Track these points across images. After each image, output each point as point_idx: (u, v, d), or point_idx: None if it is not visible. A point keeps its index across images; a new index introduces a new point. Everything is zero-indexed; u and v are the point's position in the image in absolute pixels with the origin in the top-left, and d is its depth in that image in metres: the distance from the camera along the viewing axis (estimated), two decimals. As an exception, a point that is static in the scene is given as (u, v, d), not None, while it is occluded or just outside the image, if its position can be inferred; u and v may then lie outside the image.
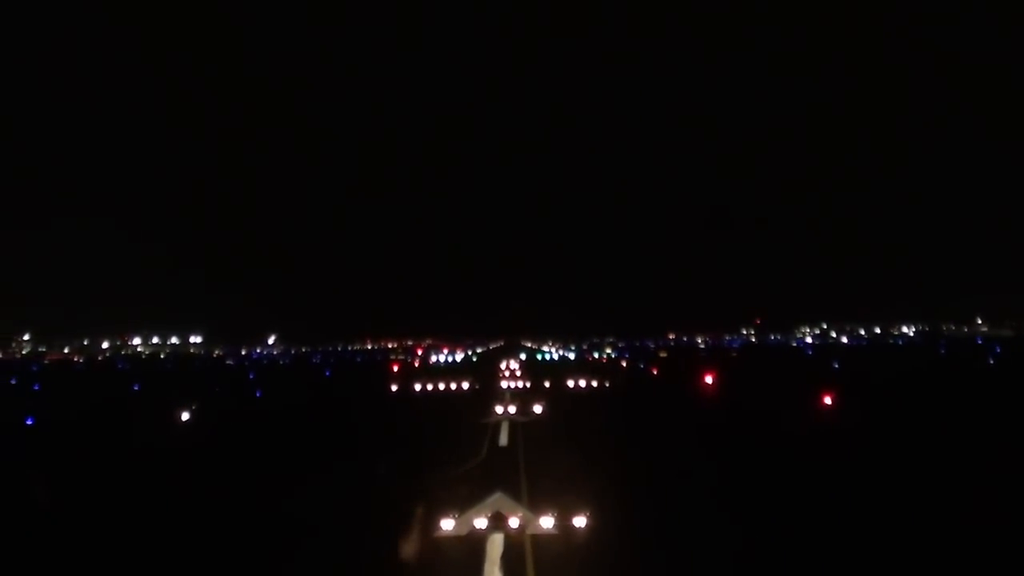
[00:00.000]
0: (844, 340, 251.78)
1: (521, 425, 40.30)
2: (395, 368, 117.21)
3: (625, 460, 29.14)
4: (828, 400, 48.02)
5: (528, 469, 27.23)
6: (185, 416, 48.46)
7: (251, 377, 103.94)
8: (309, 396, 67.34)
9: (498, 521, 19.01)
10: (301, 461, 30.71)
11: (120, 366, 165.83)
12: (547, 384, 67.28)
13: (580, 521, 18.70)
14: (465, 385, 68.07)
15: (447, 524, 18.84)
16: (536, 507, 19.89)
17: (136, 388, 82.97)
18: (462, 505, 19.90)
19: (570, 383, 67.17)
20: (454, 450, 31.52)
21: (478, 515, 19.13)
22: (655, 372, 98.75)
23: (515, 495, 21.29)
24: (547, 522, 18.74)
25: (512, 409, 44.93)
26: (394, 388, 70.58)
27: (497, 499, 20.17)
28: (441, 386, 68.35)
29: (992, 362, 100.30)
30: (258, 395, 69.55)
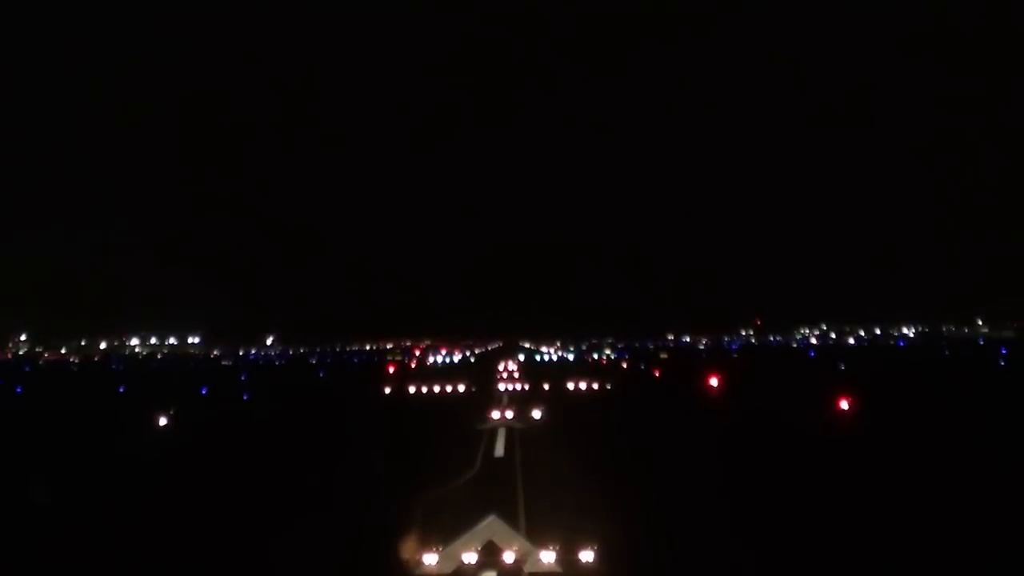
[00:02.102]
0: (851, 341, 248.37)
1: (519, 432, 37.44)
2: (391, 370, 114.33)
3: (636, 478, 26.02)
4: (845, 405, 45.19)
5: (526, 486, 24.24)
6: (163, 421, 45.73)
7: (242, 379, 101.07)
8: (296, 401, 64.26)
9: (491, 555, 16.13)
10: (269, 477, 27.62)
11: (114, 367, 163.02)
12: (546, 387, 64.65)
13: (587, 556, 15.76)
14: (461, 388, 65.59)
15: (430, 559, 15.89)
16: (535, 536, 17.05)
17: (121, 390, 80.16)
18: (449, 533, 17.03)
19: (570, 386, 64.69)
20: (444, 462, 28.58)
21: (467, 547, 16.27)
22: (657, 374, 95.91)
23: (511, 519, 18.43)
24: (548, 557, 15.82)
25: (509, 414, 42.26)
26: (387, 391, 67.67)
27: (490, 525, 17.32)
28: (436, 389, 65.87)
29: (1003, 364, 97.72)
30: (245, 398, 66.77)
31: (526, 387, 64.80)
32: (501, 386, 65.40)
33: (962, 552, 16.58)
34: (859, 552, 17.07)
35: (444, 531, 17.25)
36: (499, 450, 32.39)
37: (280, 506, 22.55)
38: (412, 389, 65.95)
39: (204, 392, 73.45)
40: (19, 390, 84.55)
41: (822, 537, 18.30)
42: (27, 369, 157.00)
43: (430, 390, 65.45)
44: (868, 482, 24.48)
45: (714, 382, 68.59)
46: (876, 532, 18.52)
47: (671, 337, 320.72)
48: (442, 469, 26.92)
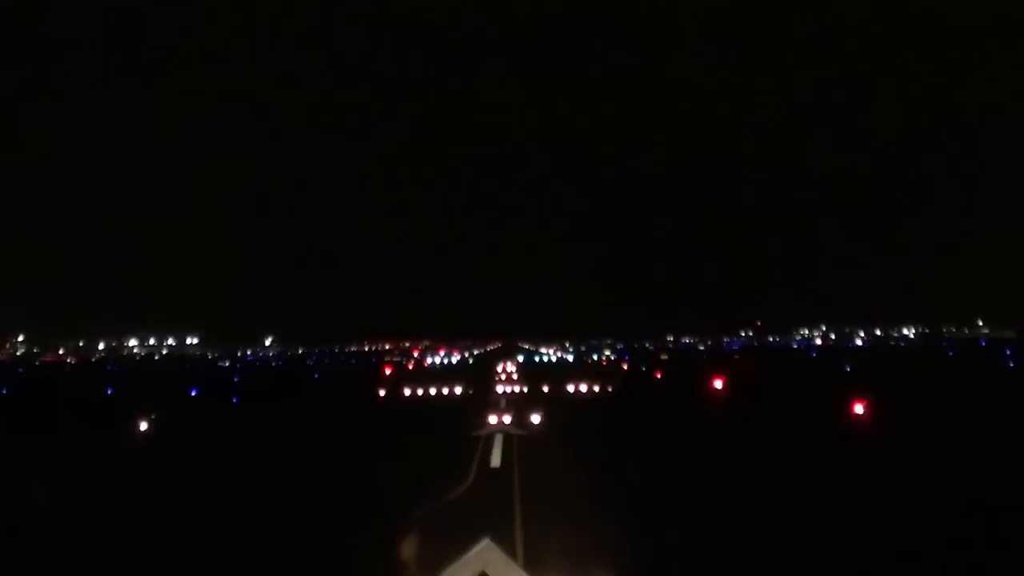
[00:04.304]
0: (858, 342, 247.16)
1: (517, 439, 35.18)
2: (387, 371, 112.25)
3: (647, 494, 23.49)
4: (860, 408, 42.88)
5: (525, 502, 21.93)
6: (143, 426, 43.51)
7: (235, 381, 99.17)
8: (284, 406, 61.80)
9: (483, 590, 13.85)
10: (237, 491, 25.21)
11: (110, 368, 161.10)
12: (546, 389, 62.95)
13: (597, 593, 13.53)
14: (458, 390, 63.66)
15: (411, 596, 13.68)
16: (537, 565, 14.79)
17: (109, 392, 78.13)
18: (435, 561, 14.74)
19: (570, 388, 62.82)
20: (434, 474, 26.27)
21: (456, 579, 13.99)
22: (658, 376, 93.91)
23: (507, 543, 16.17)
24: (552, 594, 13.58)
25: (507, 419, 40.06)
26: (382, 393, 65.55)
27: (483, 551, 14.85)
28: (432, 391, 63.86)
29: (1012, 365, 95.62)
30: (234, 401, 64.65)
31: (525, 389, 62.97)
32: (499, 388, 63.53)
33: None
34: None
35: (430, 558, 14.93)
36: (495, 460, 30.05)
37: (242, 527, 20.15)
38: (407, 392, 63.96)
39: (193, 395, 71.35)
40: (4, 391, 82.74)
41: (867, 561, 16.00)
42: (20, 370, 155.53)
43: (425, 392, 63.52)
44: (903, 496, 22.12)
45: (718, 384, 66.45)
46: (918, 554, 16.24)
47: (671, 338, 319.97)
48: (431, 483, 24.53)
